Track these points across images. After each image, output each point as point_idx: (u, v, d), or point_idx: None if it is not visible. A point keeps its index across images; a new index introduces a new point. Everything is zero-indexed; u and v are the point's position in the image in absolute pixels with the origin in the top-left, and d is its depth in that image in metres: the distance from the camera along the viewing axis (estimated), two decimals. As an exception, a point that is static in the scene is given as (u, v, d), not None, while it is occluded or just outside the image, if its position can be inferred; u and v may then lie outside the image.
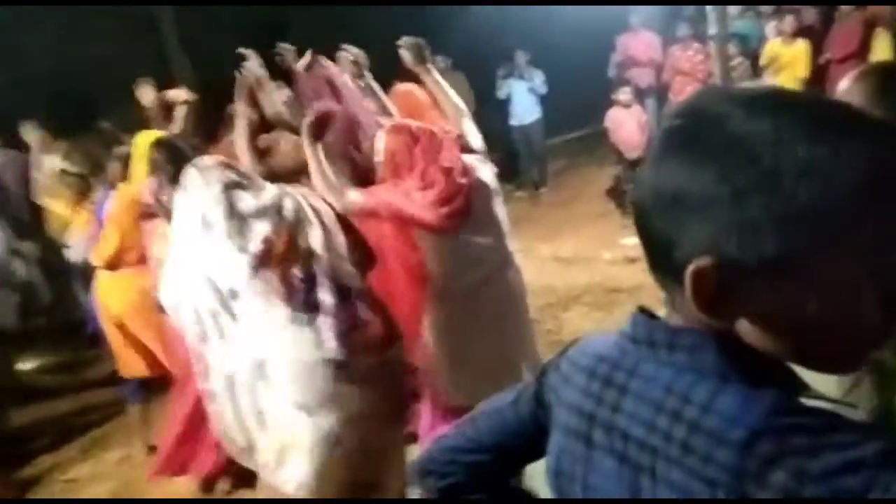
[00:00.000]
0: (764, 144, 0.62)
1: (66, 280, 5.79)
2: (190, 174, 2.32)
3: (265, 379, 2.32)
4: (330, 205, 2.46)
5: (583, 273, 5.62)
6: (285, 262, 2.27)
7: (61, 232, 5.34)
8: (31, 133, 5.35)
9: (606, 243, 6.29)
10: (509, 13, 9.57)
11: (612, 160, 7.40)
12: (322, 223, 2.37)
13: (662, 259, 0.71)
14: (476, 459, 0.97)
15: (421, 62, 2.78)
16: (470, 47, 8.81)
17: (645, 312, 0.78)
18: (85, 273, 5.61)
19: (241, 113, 2.68)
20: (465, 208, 2.60)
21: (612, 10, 8.73)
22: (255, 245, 2.24)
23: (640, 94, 7.64)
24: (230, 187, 2.28)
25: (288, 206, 2.33)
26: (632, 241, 6.30)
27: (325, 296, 2.29)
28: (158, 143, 2.77)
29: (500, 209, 2.78)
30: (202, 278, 2.28)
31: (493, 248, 2.75)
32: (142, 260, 3.43)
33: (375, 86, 3.12)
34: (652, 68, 8.40)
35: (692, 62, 7.65)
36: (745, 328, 0.67)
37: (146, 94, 3.72)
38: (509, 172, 8.25)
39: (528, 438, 0.91)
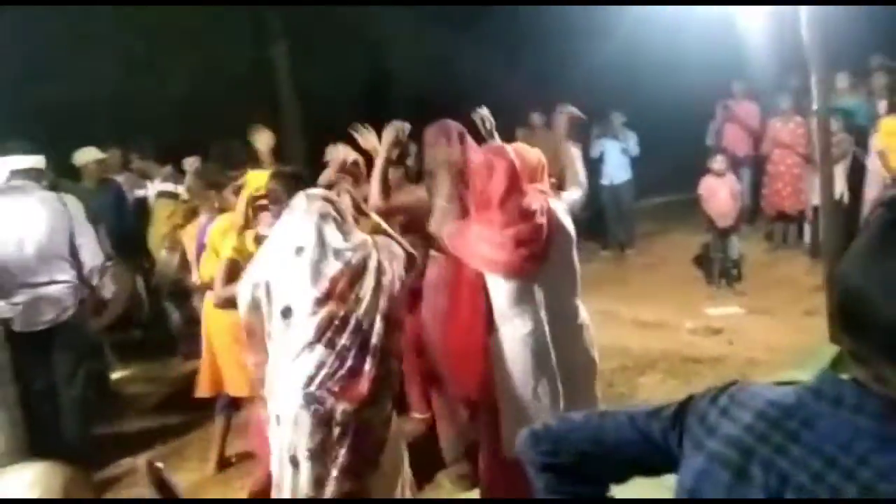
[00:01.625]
0: None
1: (163, 295, 6.15)
2: (299, 198, 2.60)
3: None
4: (395, 266, 2.62)
5: (662, 339, 5.51)
6: (338, 301, 2.46)
7: (159, 250, 5.74)
8: (152, 168, 5.83)
9: (690, 311, 6.15)
10: (608, 73, 9.65)
11: (703, 227, 7.27)
12: (378, 280, 2.52)
13: (888, 342, 0.76)
14: (588, 450, 1.04)
15: (572, 131, 2.94)
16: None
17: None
18: (177, 291, 5.98)
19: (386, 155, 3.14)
20: (544, 252, 2.65)
21: (715, 76, 8.69)
22: (325, 280, 2.45)
23: (736, 164, 7.51)
24: (324, 219, 2.52)
25: (359, 254, 2.52)
26: (718, 312, 6.14)
27: (345, 339, 2.45)
28: (277, 175, 2.95)
29: (576, 259, 2.84)
30: (278, 298, 2.50)
31: (567, 299, 2.78)
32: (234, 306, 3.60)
33: (499, 142, 3.33)
34: (750, 138, 8.28)
35: (793, 135, 7.49)
36: None
37: (263, 139, 3.95)
38: (596, 231, 8.23)
39: (645, 452, 0.98)
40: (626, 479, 1.09)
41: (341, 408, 2.44)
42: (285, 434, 2.48)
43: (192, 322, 6.02)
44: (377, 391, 2.48)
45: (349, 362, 2.45)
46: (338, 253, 2.49)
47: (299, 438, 2.46)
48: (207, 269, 3.68)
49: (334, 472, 2.44)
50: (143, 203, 6.11)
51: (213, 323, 3.82)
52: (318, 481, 2.45)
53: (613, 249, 8.40)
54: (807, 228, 7.34)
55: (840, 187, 6.67)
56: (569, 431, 1.06)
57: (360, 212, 2.82)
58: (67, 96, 8.89)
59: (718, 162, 6.83)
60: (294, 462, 2.48)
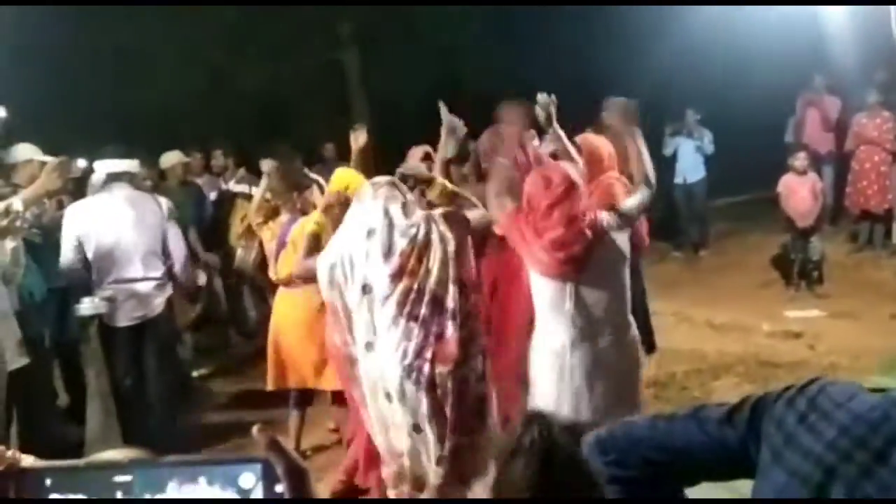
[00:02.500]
0: None
1: (240, 293, 6.38)
2: (365, 188, 2.82)
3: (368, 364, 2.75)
4: (456, 233, 2.73)
5: (738, 342, 5.36)
6: (411, 276, 2.65)
7: (235, 249, 5.97)
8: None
9: (767, 314, 5.96)
10: (682, 70, 9.44)
11: (780, 227, 7.03)
12: (443, 246, 2.69)
13: None
14: (657, 458, 0.99)
15: (630, 122, 2.94)
16: (640, 105, 8.77)
17: None
18: (253, 288, 6.19)
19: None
20: (583, 257, 2.65)
21: (794, 71, 8.38)
22: (395, 258, 2.65)
23: (817, 161, 7.23)
24: (389, 202, 2.72)
25: (423, 229, 2.70)
26: (798, 315, 5.93)
27: (424, 309, 2.64)
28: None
29: (626, 277, 2.80)
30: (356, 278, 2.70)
31: (610, 310, 2.75)
32: (314, 280, 3.73)
33: (561, 133, 3.31)
34: (833, 134, 7.95)
35: (880, 131, 7.16)
36: None
37: (360, 138, 4.09)
38: (668, 231, 8.07)
39: (720, 458, 0.94)
40: (696, 483, 1.05)
41: (437, 370, 2.63)
42: (397, 407, 2.68)
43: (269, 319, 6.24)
44: (465, 350, 2.66)
45: (434, 328, 2.63)
46: (404, 231, 2.67)
47: (414, 407, 2.65)
48: (286, 267, 3.81)
49: (447, 431, 2.65)
50: (219, 204, 6.34)
51: (283, 318, 3.95)
52: (440, 440, 2.67)
53: (686, 250, 8.21)
54: (895, 228, 7.00)
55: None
56: (636, 441, 1.02)
57: (424, 181, 2.96)
58: (152, 102, 9.34)
59: (800, 159, 6.59)
60: (417, 429, 2.68)
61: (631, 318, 2.86)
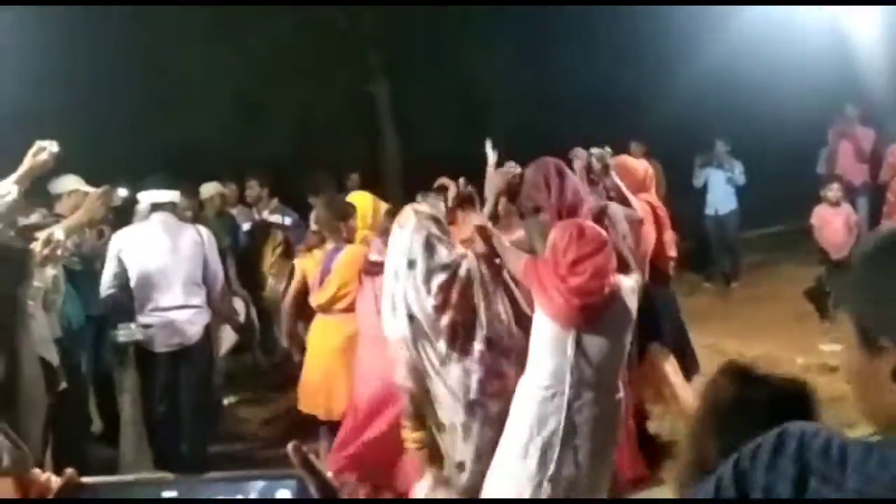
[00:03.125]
0: None
1: (270, 322, 6.45)
2: (407, 215, 2.86)
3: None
4: (495, 272, 2.79)
5: (772, 377, 5.25)
6: (456, 310, 2.69)
7: (266, 279, 6.07)
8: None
9: (802, 347, 5.85)
10: (711, 99, 9.44)
11: (815, 259, 6.92)
12: (485, 285, 2.74)
13: None
14: None
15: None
16: (667, 134, 8.78)
17: None
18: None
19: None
20: (596, 309, 2.63)
21: (826, 100, 8.33)
22: (436, 290, 2.68)
23: (851, 193, 7.14)
24: (432, 237, 2.77)
25: (464, 266, 2.74)
26: (832, 348, 5.81)
27: (478, 345, 2.69)
28: (390, 213, 3.29)
29: (628, 340, 2.81)
30: (400, 307, 2.76)
31: (607, 367, 2.73)
32: (351, 308, 3.82)
33: (619, 183, 3.43)
34: (867, 165, 7.85)
35: (916, 161, 7.06)
36: None
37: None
38: (699, 263, 7.99)
39: None
40: None
41: (496, 408, 2.68)
42: (454, 441, 2.73)
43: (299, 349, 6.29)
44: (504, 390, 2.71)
45: (492, 365, 2.68)
46: (445, 266, 2.72)
47: (468, 445, 2.69)
48: (328, 293, 3.91)
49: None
50: (252, 234, 6.44)
51: (317, 346, 4.01)
52: (474, 486, 2.70)
53: (717, 282, 8.11)
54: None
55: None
56: None
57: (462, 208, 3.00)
58: (186, 132, 9.58)
59: (833, 190, 6.52)
60: (461, 467, 2.72)
61: (620, 383, 2.83)
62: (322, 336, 4.02)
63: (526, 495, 2.61)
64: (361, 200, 4.35)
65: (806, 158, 8.48)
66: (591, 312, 2.66)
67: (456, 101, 11.22)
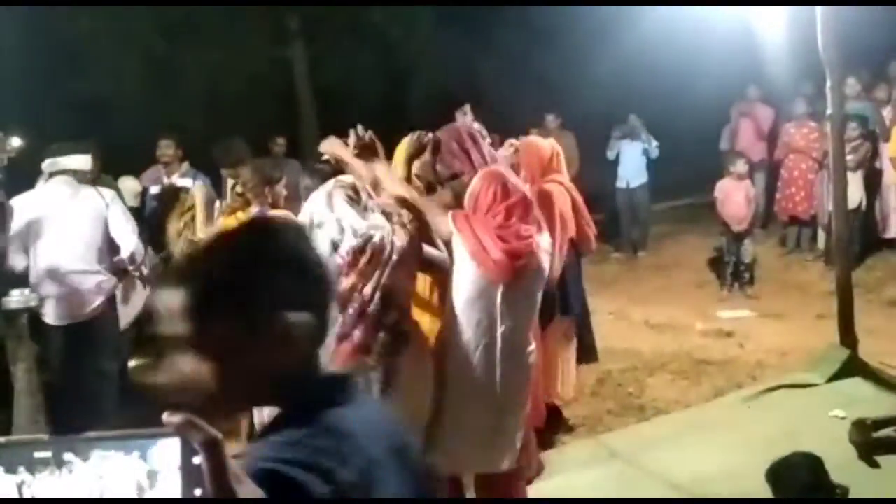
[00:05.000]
0: None
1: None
2: (329, 182, 2.84)
3: None
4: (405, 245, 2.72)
5: (672, 341, 5.54)
6: (361, 276, 2.62)
7: (175, 243, 5.87)
8: None
9: (701, 314, 6.17)
10: (624, 77, 9.68)
11: (717, 231, 7.29)
12: (389, 257, 2.66)
13: None
14: None
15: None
16: (582, 109, 8.97)
17: None
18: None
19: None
20: (526, 272, 2.72)
21: (732, 81, 8.68)
22: (342, 255, 2.63)
23: (750, 168, 7.52)
24: (344, 200, 2.73)
25: (377, 236, 2.67)
26: (729, 315, 6.16)
27: (350, 308, 2.60)
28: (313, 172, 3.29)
29: (539, 296, 2.88)
30: None
31: (522, 329, 2.81)
32: None
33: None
34: (765, 143, 8.28)
35: (806, 140, 7.49)
36: None
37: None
38: (609, 233, 8.26)
39: None
40: None
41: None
42: None
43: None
44: (357, 358, 2.57)
45: (345, 328, 2.57)
46: (355, 231, 2.65)
47: None
48: None
49: None
50: (161, 198, 6.19)
51: None
52: None
53: (626, 251, 8.42)
54: (821, 233, 7.33)
55: (858, 194, 6.68)
56: None
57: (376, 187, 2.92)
58: (94, 93, 9.07)
59: (740, 165, 6.84)
60: None
61: (531, 337, 2.91)
62: None
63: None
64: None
65: (712, 136, 8.85)
66: (522, 270, 2.73)
67: (375, 66, 11.06)
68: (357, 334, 2.58)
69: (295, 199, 4.77)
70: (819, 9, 4.27)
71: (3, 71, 8.11)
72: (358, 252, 2.61)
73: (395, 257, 2.64)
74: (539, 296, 2.89)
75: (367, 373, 2.56)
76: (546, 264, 2.87)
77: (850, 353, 4.43)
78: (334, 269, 2.62)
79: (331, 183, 2.81)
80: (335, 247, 2.64)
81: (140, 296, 4.46)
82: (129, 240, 3.97)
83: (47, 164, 3.90)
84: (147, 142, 6.49)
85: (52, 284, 3.74)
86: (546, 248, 2.86)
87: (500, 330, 2.74)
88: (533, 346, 2.90)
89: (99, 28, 9.19)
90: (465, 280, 2.77)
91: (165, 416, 0.66)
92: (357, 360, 2.56)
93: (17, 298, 3.66)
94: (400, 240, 2.71)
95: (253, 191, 4.09)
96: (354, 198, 2.75)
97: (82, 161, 3.93)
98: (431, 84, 10.79)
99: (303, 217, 2.77)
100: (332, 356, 2.55)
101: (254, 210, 4.05)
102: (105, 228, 3.90)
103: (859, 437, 3.51)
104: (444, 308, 2.94)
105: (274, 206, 4.02)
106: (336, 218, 2.67)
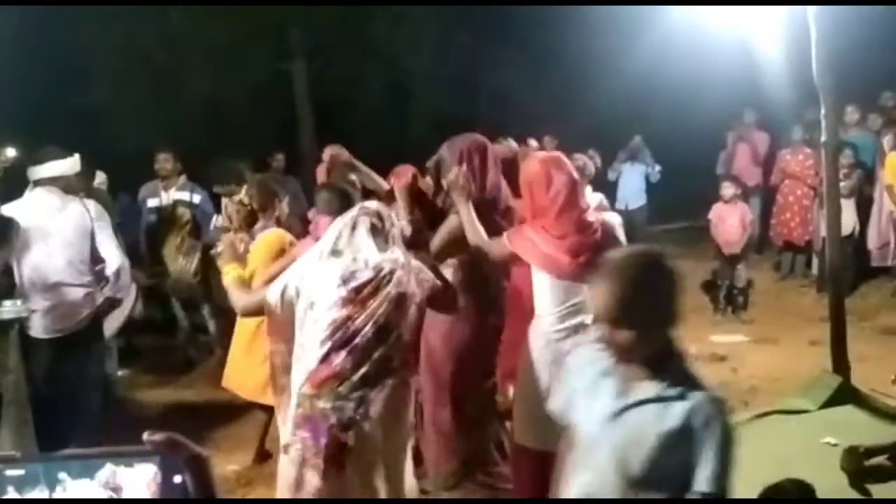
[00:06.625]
0: None
1: (169, 302, 6.25)
2: (355, 207, 2.74)
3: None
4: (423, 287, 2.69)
5: (666, 364, 5.52)
6: (359, 306, 2.54)
7: (174, 258, 5.90)
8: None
9: (694, 338, 6.14)
10: (623, 100, 9.74)
11: (712, 255, 7.31)
12: (392, 293, 2.58)
13: None
14: None
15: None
16: (582, 131, 9.02)
17: None
18: (187, 298, 6.07)
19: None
20: (596, 248, 2.75)
21: (728, 105, 8.74)
22: (353, 283, 2.55)
23: (745, 193, 7.56)
24: (368, 230, 2.64)
25: (388, 268, 2.59)
26: (723, 339, 6.16)
27: (358, 339, 2.53)
28: (331, 188, 3.24)
29: None
30: (298, 283, 2.62)
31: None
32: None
33: None
34: (760, 168, 8.33)
35: (802, 166, 7.54)
36: None
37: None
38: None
39: None
40: None
41: (303, 391, 2.55)
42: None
43: (200, 330, 6.12)
44: (328, 384, 2.53)
45: (323, 353, 2.53)
46: (367, 263, 2.58)
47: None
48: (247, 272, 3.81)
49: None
50: (158, 212, 6.18)
51: (242, 323, 3.93)
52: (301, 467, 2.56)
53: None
54: (814, 259, 7.35)
55: (852, 221, 6.71)
56: None
57: (416, 244, 2.93)
58: (93, 105, 9.09)
59: (726, 187, 6.86)
60: (286, 448, 2.60)
61: None
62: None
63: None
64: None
65: (708, 160, 8.89)
66: (594, 265, 2.76)
67: (376, 83, 11.12)
68: (337, 361, 2.52)
69: (293, 215, 4.80)
70: (814, 35, 4.32)
71: (2, 82, 8.13)
72: (363, 285, 2.55)
73: (394, 292, 2.56)
74: None
75: (338, 399, 2.51)
76: (621, 236, 2.95)
77: (843, 380, 4.41)
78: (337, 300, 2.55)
79: (356, 209, 2.71)
80: (345, 280, 2.55)
81: (124, 306, 4.44)
82: (114, 255, 3.92)
83: (32, 171, 3.82)
84: (147, 155, 6.51)
85: (37, 297, 3.70)
86: (617, 222, 2.98)
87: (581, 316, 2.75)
88: None
89: (100, 40, 9.23)
90: (544, 287, 2.86)
91: (146, 435, 0.66)
92: (328, 386, 2.52)
93: (8, 309, 3.64)
94: (417, 286, 2.65)
95: (261, 206, 4.12)
96: (378, 226, 2.66)
97: (67, 165, 3.85)
98: (432, 102, 10.85)
99: (325, 241, 2.68)
100: (308, 375, 2.54)
101: (259, 226, 4.07)
102: (91, 241, 3.84)
103: (851, 464, 3.49)
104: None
105: (278, 222, 4.06)
106: (353, 250, 2.60)
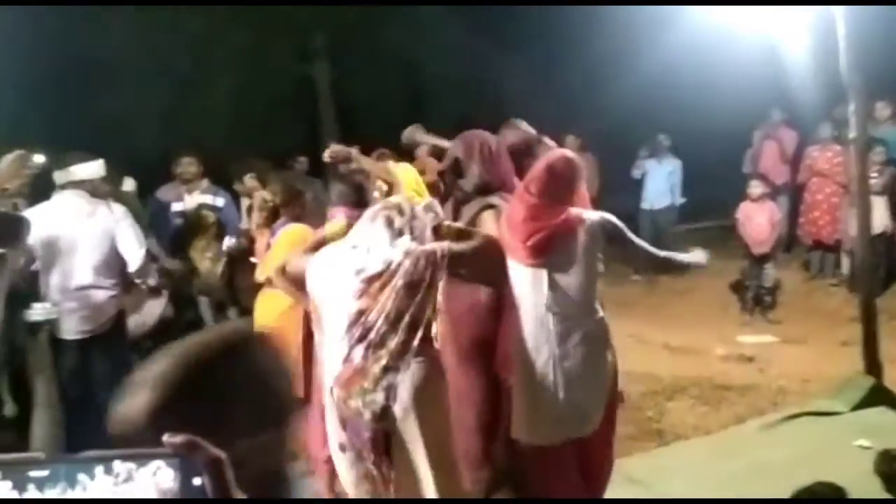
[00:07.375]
0: None
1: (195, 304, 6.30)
2: (377, 204, 2.79)
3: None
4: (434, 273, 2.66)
5: (693, 365, 5.45)
6: (372, 300, 2.56)
7: (201, 261, 5.96)
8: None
9: (722, 338, 6.09)
10: (647, 98, 9.65)
11: (740, 254, 7.21)
12: (403, 285, 2.56)
13: None
14: None
15: None
16: (605, 130, 8.96)
17: None
18: (215, 301, 6.13)
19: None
20: (546, 247, 2.80)
21: (755, 102, 8.63)
22: (366, 276, 2.57)
23: (774, 191, 7.45)
24: (386, 224, 2.65)
25: (395, 261, 2.58)
26: (751, 340, 6.07)
27: (372, 334, 2.54)
28: (344, 180, 3.35)
29: (597, 266, 2.96)
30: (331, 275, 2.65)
31: (581, 294, 2.88)
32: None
33: None
34: (788, 166, 8.20)
35: (830, 164, 7.41)
36: None
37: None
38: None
39: None
40: None
41: (336, 393, 2.56)
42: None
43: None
44: (356, 381, 2.55)
45: (345, 351, 2.55)
46: (381, 256, 2.58)
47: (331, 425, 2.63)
48: (266, 269, 3.82)
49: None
50: (184, 215, 6.23)
51: (262, 315, 3.94)
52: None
53: (646, 274, 8.33)
54: (844, 258, 7.22)
55: (883, 219, 6.58)
56: None
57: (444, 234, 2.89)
58: (118, 110, 9.22)
59: (754, 186, 6.77)
60: (342, 448, 2.63)
61: (598, 306, 2.99)
62: (265, 307, 3.95)
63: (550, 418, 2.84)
64: (405, 173, 4.31)
65: (736, 159, 8.79)
66: (543, 246, 2.80)
67: (398, 86, 11.15)
68: (358, 359, 2.55)
69: (317, 216, 4.83)
70: (842, 32, 4.24)
71: (27, 88, 8.28)
72: (373, 278, 2.57)
73: (401, 282, 2.56)
74: (596, 268, 2.95)
75: (366, 395, 2.52)
76: (600, 239, 2.94)
77: (875, 381, 4.33)
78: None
79: (379, 205, 2.77)
80: (358, 271, 2.58)
81: (153, 306, 4.49)
82: (136, 255, 3.95)
83: (59, 176, 3.88)
84: (171, 159, 6.58)
85: (63, 299, 3.76)
86: (592, 221, 2.92)
87: (551, 300, 2.81)
88: (601, 314, 2.97)
89: (123, 46, 9.35)
90: (515, 273, 2.88)
91: (166, 437, 0.66)
92: (355, 385, 2.54)
93: (39, 311, 3.71)
94: (429, 273, 2.62)
95: (284, 202, 4.15)
96: (395, 220, 2.67)
97: (94, 169, 3.92)
98: (454, 103, 10.85)
99: (351, 237, 2.72)
100: (335, 378, 2.56)
101: (279, 223, 4.11)
102: (114, 243, 3.89)
103: (886, 468, 3.42)
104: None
105: (298, 219, 4.04)
106: (368, 243, 2.62)
